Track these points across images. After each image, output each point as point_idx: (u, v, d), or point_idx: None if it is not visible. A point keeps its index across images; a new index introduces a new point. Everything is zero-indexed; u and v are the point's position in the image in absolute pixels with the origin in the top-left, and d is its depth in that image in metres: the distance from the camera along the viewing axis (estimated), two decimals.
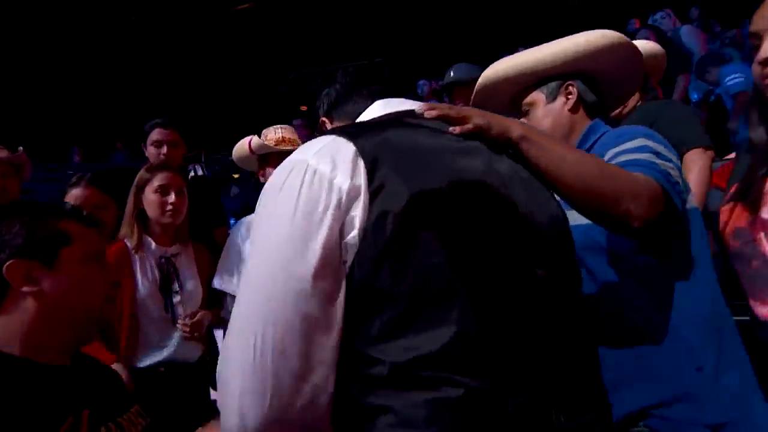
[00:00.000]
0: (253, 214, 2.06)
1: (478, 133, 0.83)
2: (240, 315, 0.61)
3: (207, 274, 1.95)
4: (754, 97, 1.03)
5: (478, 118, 0.82)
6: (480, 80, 1.24)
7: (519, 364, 0.65)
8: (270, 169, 1.88)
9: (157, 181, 1.82)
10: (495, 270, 0.67)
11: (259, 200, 0.70)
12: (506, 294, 0.67)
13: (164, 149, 2.30)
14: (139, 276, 1.78)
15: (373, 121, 0.80)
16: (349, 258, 0.62)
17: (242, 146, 1.94)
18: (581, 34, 1.18)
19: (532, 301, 0.68)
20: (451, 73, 2.60)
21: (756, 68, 0.96)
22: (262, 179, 1.96)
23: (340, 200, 0.63)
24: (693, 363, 0.98)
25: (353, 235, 0.62)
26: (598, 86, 1.22)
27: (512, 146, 0.91)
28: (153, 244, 1.84)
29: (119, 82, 9.14)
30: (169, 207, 1.80)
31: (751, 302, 0.95)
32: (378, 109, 0.86)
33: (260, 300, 0.60)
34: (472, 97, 1.27)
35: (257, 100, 8.77)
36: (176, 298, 1.82)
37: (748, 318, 0.98)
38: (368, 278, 0.61)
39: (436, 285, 0.62)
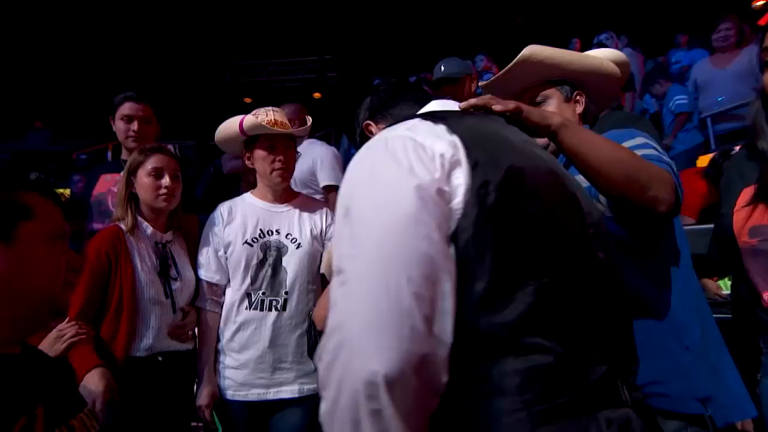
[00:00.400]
0: (229, 201, 1.98)
1: (520, 119, 0.90)
2: (368, 262, 0.61)
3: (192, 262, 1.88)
4: (762, 109, 1.17)
5: (519, 104, 0.90)
6: (525, 54, 1.28)
7: (593, 337, 0.69)
8: (261, 152, 1.81)
9: (150, 164, 1.74)
10: (568, 248, 0.71)
11: (354, 171, 0.71)
12: (579, 272, 0.71)
13: (135, 125, 2.14)
14: (137, 260, 1.67)
15: (445, 112, 0.82)
16: (453, 224, 0.65)
17: (230, 126, 1.84)
18: (599, 58, 1.32)
19: (598, 281, 0.73)
20: (442, 68, 2.65)
21: None
22: (248, 163, 1.88)
23: (443, 166, 0.66)
24: (682, 341, 1.08)
25: (458, 201, 0.65)
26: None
27: (550, 134, 0.98)
28: (150, 229, 1.77)
29: (48, 58, 8.30)
30: (163, 191, 1.74)
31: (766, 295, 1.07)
32: (436, 106, 0.90)
33: (390, 246, 0.60)
34: (502, 72, 1.33)
35: (199, 88, 8.36)
36: (175, 285, 1.74)
37: None
38: (468, 244, 0.64)
39: (528, 255, 0.66)
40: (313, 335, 1.63)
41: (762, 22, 3.16)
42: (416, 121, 0.74)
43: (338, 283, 0.62)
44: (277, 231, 1.83)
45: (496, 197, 0.66)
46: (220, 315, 1.82)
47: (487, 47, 6.08)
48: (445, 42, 7.83)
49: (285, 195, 1.92)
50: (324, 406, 0.60)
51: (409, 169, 0.65)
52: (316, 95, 8.36)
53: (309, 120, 1.87)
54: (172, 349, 1.73)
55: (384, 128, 0.96)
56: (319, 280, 1.85)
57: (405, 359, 0.55)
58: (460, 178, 0.66)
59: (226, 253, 1.82)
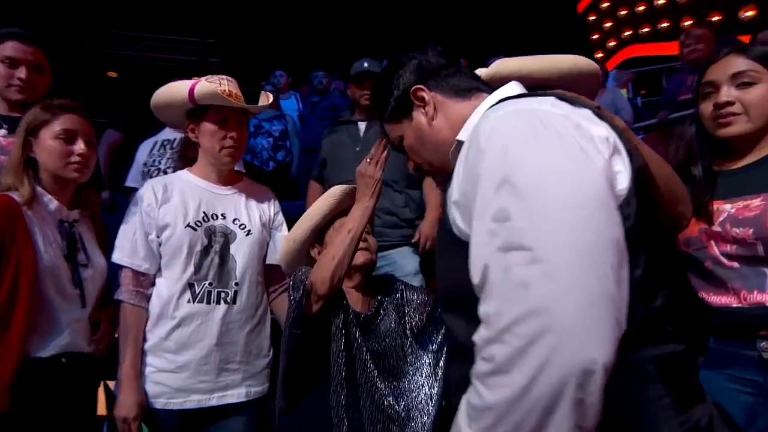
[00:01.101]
0: (161, 178, 1.77)
1: None
2: (571, 245, 0.58)
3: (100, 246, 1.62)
4: (695, 137, 1.39)
5: None
6: (489, 72, 1.32)
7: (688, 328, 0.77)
8: (210, 126, 1.64)
9: (59, 125, 1.47)
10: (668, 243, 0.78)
11: (508, 143, 0.67)
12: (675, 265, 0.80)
13: (22, 72, 1.79)
14: (39, 239, 1.37)
15: (569, 95, 0.80)
16: None
17: (176, 91, 1.63)
18: (569, 56, 1.42)
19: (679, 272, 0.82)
20: (365, 64, 2.69)
21: (710, 111, 1.32)
22: (191, 135, 1.68)
23: (608, 150, 0.67)
24: None
25: (622, 188, 0.67)
26: None
27: None
28: (53, 203, 1.48)
29: None
30: (76, 158, 1.48)
31: (704, 294, 1.28)
32: (516, 88, 0.91)
33: (592, 230, 0.59)
34: None
35: (52, 51, 7.17)
36: (85, 273, 1.47)
37: None
38: (630, 232, 0.65)
39: (668, 246, 0.72)
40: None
41: (746, 38, 3.67)
42: (551, 99, 0.73)
43: (525, 260, 0.58)
44: (222, 215, 1.67)
45: (647, 187, 0.70)
46: (147, 309, 1.59)
47: (375, 54, 6.28)
48: (336, 42, 7.92)
49: (230, 176, 1.76)
50: (500, 394, 0.57)
51: (581, 149, 0.65)
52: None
53: (269, 97, 1.75)
54: (79, 350, 1.47)
55: (440, 96, 0.95)
56: (263, 272, 1.73)
57: (615, 348, 0.55)
58: (619, 165, 0.68)
59: (159, 237, 1.60)
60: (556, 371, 0.54)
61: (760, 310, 1.19)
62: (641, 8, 7.62)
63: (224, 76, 1.69)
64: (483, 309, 0.62)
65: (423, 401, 1.35)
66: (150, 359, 1.56)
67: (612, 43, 8.13)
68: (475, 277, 0.65)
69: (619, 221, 0.62)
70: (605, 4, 8.32)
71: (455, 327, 0.79)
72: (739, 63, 1.28)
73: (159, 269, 1.61)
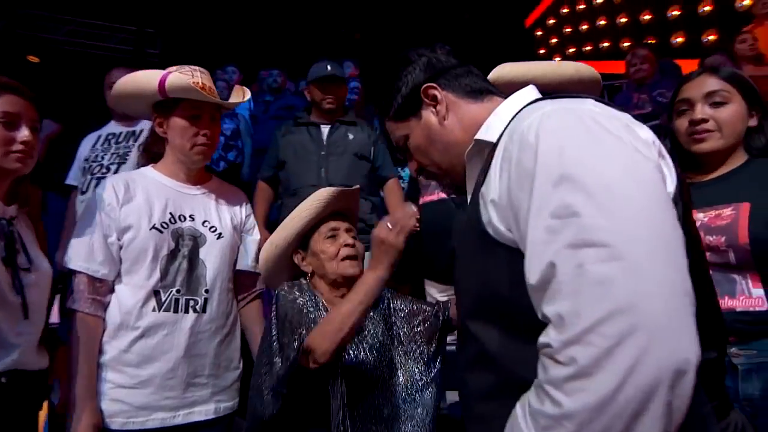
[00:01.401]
0: (123, 174, 1.63)
1: None
2: (649, 242, 0.58)
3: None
4: (670, 151, 1.50)
5: None
6: (491, 78, 1.36)
7: None
8: (181, 122, 1.55)
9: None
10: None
11: (563, 140, 0.66)
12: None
13: None
14: None
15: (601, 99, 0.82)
16: None
17: (144, 81, 1.53)
18: (572, 63, 1.48)
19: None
20: (328, 67, 2.67)
21: (685, 127, 1.42)
22: (159, 130, 1.58)
23: (656, 153, 0.70)
24: None
25: (669, 191, 0.69)
26: None
27: None
28: None
29: None
30: (18, 147, 1.33)
31: None
32: (534, 93, 0.92)
33: (665, 227, 0.60)
34: None
35: None
36: (27, 278, 1.32)
37: None
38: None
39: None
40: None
41: (748, 28, 3.88)
42: (591, 101, 0.74)
43: (601, 257, 0.57)
44: (191, 217, 1.58)
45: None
46: (104, 319, 1.48)
47: (326, 55, 6.26)
48: (286, 41, 7.79)
49: (199, 176, 1.68)
50: (583, 399, 0.54)
51: (635, 149, 0.65)
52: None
53: (246, 93, 1.67)
54: (22, 367, 1.32)
55: (452, 96, 0.94)
56: (233, 278, 1.65)
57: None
58: (665, 169, 0.70)
59: (120, 239, 1.49)
60: (648, 372, 0.52)
61: (730, 315, 1.28)
62: (584, 27, 8.08)
63: (197, 68, 1.60)
64: (551, 309, 0.60)
65: (412, 413, 1.34)
66: (107, 374, 1.44)
67: (557, 59, 8.57)
68: (533, 277, 0.63)
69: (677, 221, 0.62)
70: (551, 21, 8.75)
71: (483, 334, 0.77)
72: (712, 83, 1.39)
73: (118, 275, 1.50)
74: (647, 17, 7.09)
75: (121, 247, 1.49)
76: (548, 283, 0.61)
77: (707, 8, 6.33)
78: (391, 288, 2.22)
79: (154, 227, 1.50)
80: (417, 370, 1.41)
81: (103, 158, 2.55)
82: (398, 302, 1.53)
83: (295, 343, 1.23)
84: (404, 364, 1.41)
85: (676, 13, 6.69)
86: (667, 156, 0.70)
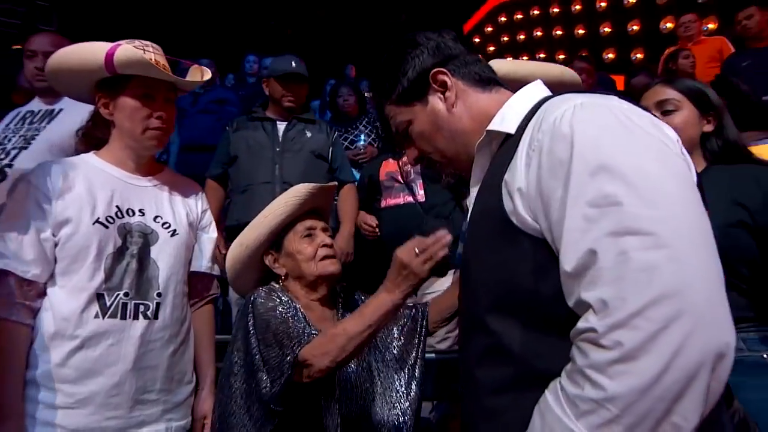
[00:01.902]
0: (60, 161, 1.47)
1: None
2: (690, 230, 0.62)
3: None
4: None
5: None
6: (505, 68, 1.36)
7: None
8: (132, 102, 1.41)
9: None
10: None
11: (598, 132, 0.69)
12: None
13: None
14: None
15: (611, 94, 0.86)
16: None
17: (87, 54, 1.37)
18: (557, 65, 1.54)
19: None
20: (293, 63, 2.59)
21: None
22: (104, 112, 1.44)
23: (679, 150, 0.73)
24: None
25: None
26: None
27: None
28: None
29: None
30: None
31: None
32: (544, 89, 0.94)
33: (700, 218, 0.64)
34: None
35: None
36: None
37: None
38: None
39: None
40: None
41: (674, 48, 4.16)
42: (615, 98, 0.76)
43: (645, 245, 0.60)
44: (140, 211, 1.45)
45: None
46: (33, 328, 1.31)
47: (255, 48, 6.11)
48: (208, 30, 7.50)
49: (150, 165, 1.54)
50: (628, 382, 0.58)
51: (665, 144, 0.69)
52: None
53: (206, 72, 1.56)
54: None
55: (461, 83, 0.94)
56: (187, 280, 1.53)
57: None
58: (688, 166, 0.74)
59: (56, 235, 1.33)
60: (693, 355, 0.56)
61: None
62: (521, 37, 8.50)
63: (148, 42, 1.48)
64: (592, 294, 0.62)
65: (393, 420, 1.30)
66: (37, 393, 1.27)
67: None
68: (569, 264, 0.66)
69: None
70: (489, 29, 9.11)
71: (500, 327, 0.77)
72: (664, 92, 1.49)
73: (51, 277, 1.34)
74: (581, 32, 7.58)
75: (56, 244, 1.33)
76: (587, 270, 0.63)
77: (635, 27, 6.88)
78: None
79: (98, 221, 1.35)
80: (396, 377, 1.37)
81: (9, 141, 2.27)
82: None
83: (289, 358, 1.16)
84: (381, 371, 1.37)
85: (607, 29, 7.21)
86: (686, 154, 0.75)
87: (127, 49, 1.36)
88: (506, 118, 0.88)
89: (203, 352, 1.54)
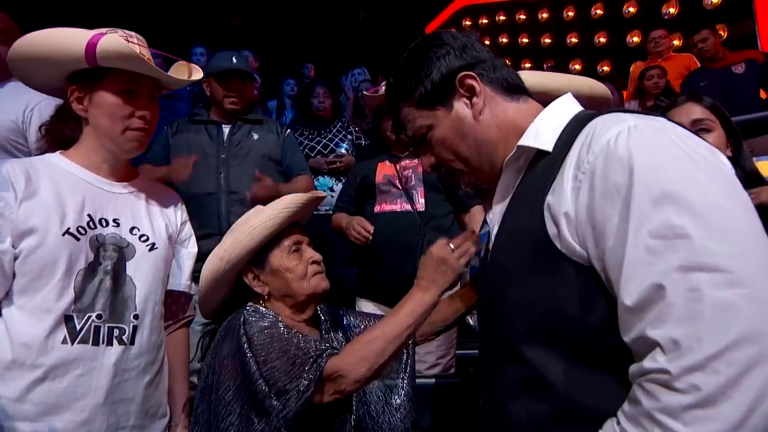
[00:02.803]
0: (22, 161, 1.35)
1: None
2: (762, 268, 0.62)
3: None
4: None
5: None
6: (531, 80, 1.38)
7: None
8: (112, 98, 1.32)
9: None
10: None
11: (658, 157, 0.69)
12: None
13: None
14: None
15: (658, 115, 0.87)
16: None
17: (66, 43, 1.26)
18: (586, 78, 1.56)
19: None
20: (234, 59, 2.49)
21: None
22: (78, 107, 1.34)
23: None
24: None
25: None
26: None
27: None
28: None
29: None
30: None
31: None
32: (576, 103, 0.95)
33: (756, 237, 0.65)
34: None
35: None
36: None
37: None
38: None
39: None
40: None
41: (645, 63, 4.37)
42: (663, 119, 0.77)
43: (720, 283, 0.60)
44: (114, 221, 1.36)
45: None
46: None
47: (204, 40, 5.95)
48: (154, 20, 7.24)
49: (126, 170, 1.45)
50: (706, 429, 0.58)
51: (726, 173, 0.71)
52: None
53: (196, 71, 1.48)
54: None
55: (489, 89, 0.93)
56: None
57: None
58: None
59: (17, 247, 1.22)
60: None
61: None
62: (486, 43, 8.72)
63: (133, 33, 1.39)
64: (660, 333, 0.62)
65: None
66: None
67: None
68: (630, 298, 0.65)
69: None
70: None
71: (539, 358, 0.77)
72: (697, 111, 1.56)
73: (7, 296, 1.23)
74: (548, 41, 7.86)
75: (16, 258, 1.22)
76: (651, 305, 0.63)
77: (602, 39, 7.21)
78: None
79: (68, 232, 1.25)
80: (381, 391, 1.37)
81: None
82: (352, 318, 1.48)
83: (310, 374, 1.11)
84: (375, 384, 1.37)
85: (574, 40, 7.51)
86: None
87: (113, 39, 1.27)
88: (540, 133, 0.87)
89: (176, 382, 1.46)
